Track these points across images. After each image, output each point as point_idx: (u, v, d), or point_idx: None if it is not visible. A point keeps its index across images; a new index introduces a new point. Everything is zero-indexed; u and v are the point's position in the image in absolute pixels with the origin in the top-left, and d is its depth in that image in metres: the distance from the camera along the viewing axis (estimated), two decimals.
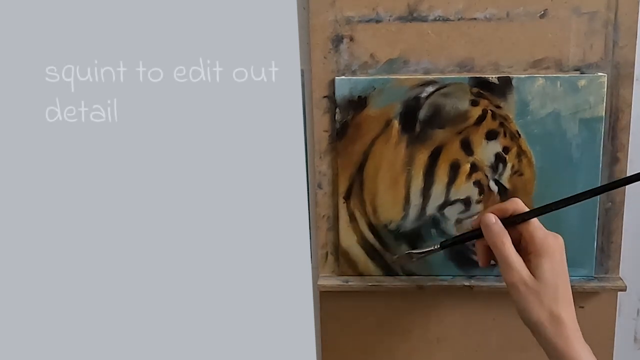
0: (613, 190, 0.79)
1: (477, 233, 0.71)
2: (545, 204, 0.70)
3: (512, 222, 0.68)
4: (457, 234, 0.76)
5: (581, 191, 0.74)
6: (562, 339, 0.62)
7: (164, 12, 0.62)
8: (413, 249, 0.79)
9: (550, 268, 0.63)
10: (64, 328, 0.66)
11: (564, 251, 0.66)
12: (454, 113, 0.78)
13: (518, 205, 0.68)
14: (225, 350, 0.67)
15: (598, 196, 0.79)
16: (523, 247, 0.67)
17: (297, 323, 0.68)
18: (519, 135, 0.78)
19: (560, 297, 0.63)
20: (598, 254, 0.81)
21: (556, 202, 0.69)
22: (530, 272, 0.64)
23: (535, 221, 0.67)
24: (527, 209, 0.68)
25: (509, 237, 0.66)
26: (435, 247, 0.76)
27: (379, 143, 0.80)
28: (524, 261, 0.65)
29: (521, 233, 0.67)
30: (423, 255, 0.78)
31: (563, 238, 0.67)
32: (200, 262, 0.66)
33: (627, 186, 0.79)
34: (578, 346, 0.62)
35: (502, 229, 0.66)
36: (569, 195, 0.69)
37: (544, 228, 0.68)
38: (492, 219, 0.67)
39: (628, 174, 0.79)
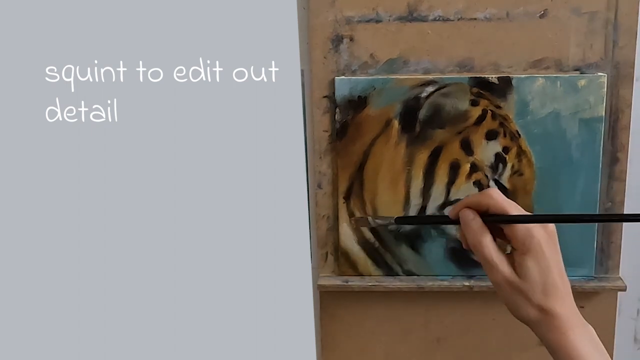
0: (613, 190, 0.79)
1: (448, 220, 0.65)
2: (544, 209, 0.69)
3: (494, 220, 0.62)
4: (424, 215, 0.72)
5: (581, 191, 0.74)
6: (556, 333, 0.60)
7: (164, 12, 0.62)
8: (375, 218, 0.78)
9: (534, 265, 0.59)
10: (63, 328, 0.66)
11: (553, 241, 0.61)
12: (454, 113, 0.78)
13: (495, 199, 0.61)
14: (225, 349, 0.67)
15: (598, 196, 0.79)
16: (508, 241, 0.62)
17: (297, 323, 0.68)
18: (519, 135, 0.78)
19: (551, 292, 0.59)
20: (598, 254, 0.81)
21: (546, 215, 0.64)
22: (515, 271, 0.61)
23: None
24: (506, 202, 0.61)
25: (489, 235, 0.61)
26: (391, 221, 0.71)
27: (379, 143, 0.80)
28: (510, 255, 0.61)
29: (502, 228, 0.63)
30: (380, 224, 0.75)
31: (563, 238, 0.66)
32: (200, 262, 0.66)
33: (627, 186, 0.80)
34: (575, 338, 0.60)
35: (481, 227, 0.61)
36: (567, 214, 0.66)
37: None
38: (470, 214, 0.61)
39: (628, 174, 0.79)
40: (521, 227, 0.60)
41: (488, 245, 0.61)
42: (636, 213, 0.63)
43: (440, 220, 0.73)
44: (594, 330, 0.61)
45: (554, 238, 0.61)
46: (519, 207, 0.61)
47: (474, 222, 0.61)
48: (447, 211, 0.65)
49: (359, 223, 0.81)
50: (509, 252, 0.61)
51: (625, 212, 0.80)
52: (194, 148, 0.64)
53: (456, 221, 0.63)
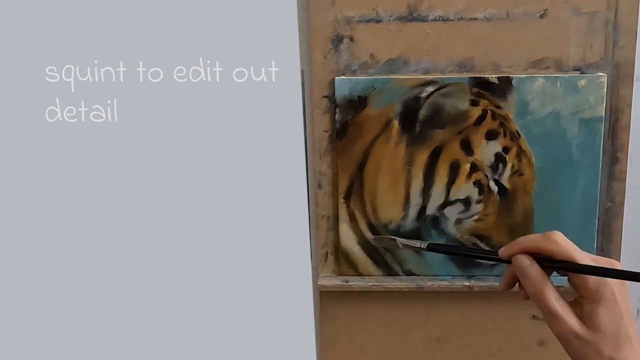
0: (613, 190, 0.79)
1: (494, 257, 0.61)
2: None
3: (556, 268, 0.57)
4: (464, 246, 0.67)
5: (581, 191, 0.74)
6: None
7: (164, 12, 0.62)
8: (399, 236, 0.76)
9: (606, 315, 0.54)
10: (63, 328, 0.66)
11: (624, 285, 0.56)
12: (454, 113, 0.78)
13: (561, 246, 0.56)
14: (225, 349, 0.67)
15: (598, 196, 0.79)
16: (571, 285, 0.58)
17: (297, 323, 0.68)
18: (519, 135, 0.78)
19: (623, 342, 0.54)
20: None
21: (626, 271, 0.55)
22: (583, 320, 0.56)
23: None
24: (571, 248, 0.56)
25: (550, 284, 0.56)
26: (422, 246, 0.69)
27: (379, 143, 0.80)
28: (575, 304, 0.56)
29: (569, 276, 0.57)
30: (406, 246, 0.72)
31: None
32: (200, 262, 0.66)
33: (627, 186, 0.80)
34: None
35: (541, 275, 0.56)
36: None
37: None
38: (526, 261, 0.56)
39: (628, 174, 0.79)
40: (592, 277, 0.55)
41: (550, 295, 0.56)
42: None
43: (484, 255, 0.66)
44: None
45: (620, 289, 0.56)
46: (582, 252, 0.57)
47: (531, 269, 0.57)
48: (501, 250, 0.59)
49: (381, 243, 0.79)
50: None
51: (625, 213, 0.80)
52: (194, 148, 0.64)
53: (506, 261, 0.59)
